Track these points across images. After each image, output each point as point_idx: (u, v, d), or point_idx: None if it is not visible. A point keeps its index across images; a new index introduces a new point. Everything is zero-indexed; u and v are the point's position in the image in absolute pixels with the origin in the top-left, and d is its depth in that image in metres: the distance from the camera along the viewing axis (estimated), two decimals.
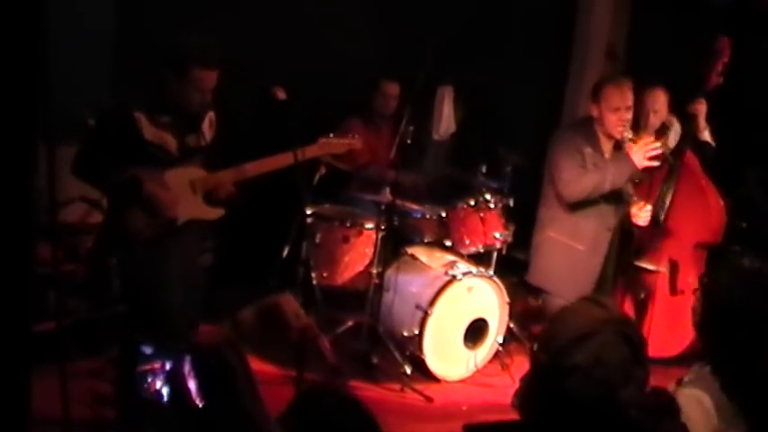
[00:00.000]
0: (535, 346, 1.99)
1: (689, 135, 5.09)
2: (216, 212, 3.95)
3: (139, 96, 3.66)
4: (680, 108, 5.28)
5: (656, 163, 4.45)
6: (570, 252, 4.50)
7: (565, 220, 4.53)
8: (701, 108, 5.00)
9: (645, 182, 5.18)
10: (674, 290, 5.29)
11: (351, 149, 4.53)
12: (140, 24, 5.04)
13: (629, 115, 4.42)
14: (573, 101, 7.03)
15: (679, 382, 2.38)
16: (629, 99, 4.40)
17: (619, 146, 4.51)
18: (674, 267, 5.29)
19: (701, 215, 5.22)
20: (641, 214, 4.65)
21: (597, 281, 4.55)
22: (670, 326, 5.28)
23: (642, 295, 5.29)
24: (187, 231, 3.86)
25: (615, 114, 4.36)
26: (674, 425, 2.05)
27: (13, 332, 2.63)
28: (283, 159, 4.05)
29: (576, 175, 4.41)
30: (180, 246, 3.82)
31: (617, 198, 4.57)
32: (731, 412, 2.23)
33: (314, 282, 5.02)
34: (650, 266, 5.19)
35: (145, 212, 3.70)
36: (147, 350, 2.50)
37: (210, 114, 3.88)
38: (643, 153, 4.32)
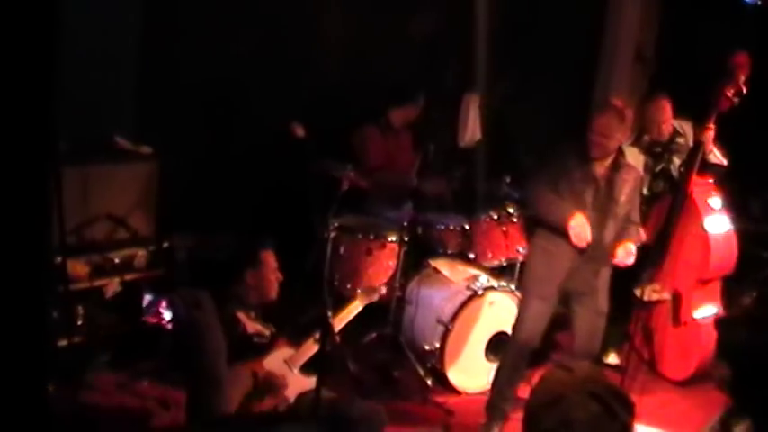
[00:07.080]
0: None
1: (691, 162, 4.90)
2: (311, 380, 3.88)
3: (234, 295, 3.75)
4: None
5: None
6: (544, 253, 4.40)
7: (545, 227, 4.39)
8: (708, 135, 4.84)
9: (652, 211, 5.15)
10: (676, 321, 5.23)
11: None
12: (165, 38, 5.13)
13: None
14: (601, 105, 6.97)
15: None
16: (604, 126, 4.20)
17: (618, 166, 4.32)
18: (676, 299, 5.21)
19: (701, 255, 5.08)
20: (620, 253, 4.23)
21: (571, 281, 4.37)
22: (677, 354, 5.28)
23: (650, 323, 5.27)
24: None
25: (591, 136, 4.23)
26: None
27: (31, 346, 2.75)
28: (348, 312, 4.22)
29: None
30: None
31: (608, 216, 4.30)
32: None
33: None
34: (654, 297, 4.99)
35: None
36: None
37: None
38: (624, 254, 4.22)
